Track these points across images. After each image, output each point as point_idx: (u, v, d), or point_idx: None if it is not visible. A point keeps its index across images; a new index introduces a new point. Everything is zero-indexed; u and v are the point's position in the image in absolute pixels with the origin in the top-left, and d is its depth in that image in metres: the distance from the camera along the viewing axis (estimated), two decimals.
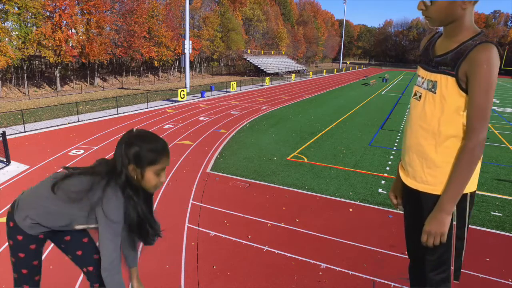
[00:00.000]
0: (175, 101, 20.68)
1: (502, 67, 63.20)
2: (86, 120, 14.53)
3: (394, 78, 48.76)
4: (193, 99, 21.88)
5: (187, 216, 6.06)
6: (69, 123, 13.77)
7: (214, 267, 4.61)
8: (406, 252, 2.05)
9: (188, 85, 25.14)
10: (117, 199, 1.66)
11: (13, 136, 11.29)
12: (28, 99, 23.53)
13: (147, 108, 18.00)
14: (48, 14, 25.56)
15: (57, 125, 13.30)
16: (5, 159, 8.53)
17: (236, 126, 13.88)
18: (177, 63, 40.96)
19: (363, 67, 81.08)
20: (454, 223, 1.68)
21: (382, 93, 29.85)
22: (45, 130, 12.50)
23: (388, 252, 5.08)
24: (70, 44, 26.99)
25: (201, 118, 15.40)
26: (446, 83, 1.59)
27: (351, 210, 6.62)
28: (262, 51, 55.50)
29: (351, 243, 5.34)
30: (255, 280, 4.38)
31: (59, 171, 1.88)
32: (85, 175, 1.73)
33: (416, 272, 1.95)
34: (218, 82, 34.08)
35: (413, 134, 1.76)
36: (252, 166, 8.96)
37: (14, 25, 24.34)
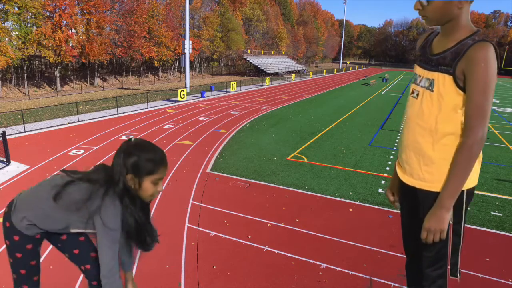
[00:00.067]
0: (175, 101, 20.69)
1: (502, 67, 63.50)
2: (86, 120, 14.53)
3: (394, 78, 48.76)
4: (193, 99, 21.88)
5: (187, 216, 6.06)
6: (69, 123, 13.77)
7: (214, 267, 4.61)
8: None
9: (188, 85, 25.14)
10: (115, 207, 1.68)
11: (13, 136, 11.30)
12: (28, 99, 23.53)
13: (147, 108, 18.00)
14: (48, 14, 25.56)
15: (57, 125, 13.29)
16: (5, 159, 8.53)
17: (236, 126, 13.88)
18: (177, 63, 40.96)
19: (363, 67, 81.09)
20: (451, 222, 1.69)
21: (382, 93, 29.85)
22: (45, 130, 12.50)
23: (388, 252, 5.08)
24: (70, 44, 26.99)
25: (201, 118, 15.40)
26: (444, 81, 1.61)
27: (351, 210, 6.62)
28: (262, 51, 55.50)
29: (351, 243, 5.34)
30: (255, 280, 4.38)
31: (57, 174, 1.89)
32: (84, 181, 1.74)
33: (413, 268, 1.97)
34: (218, 82, 34.08)
35: (410, 131, 1.77)
36: (252, 166, 8.96)
37: (14, 25, 24.34)
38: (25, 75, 26.68)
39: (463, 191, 1.66)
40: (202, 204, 6.56)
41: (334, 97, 25.84)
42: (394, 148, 11.35)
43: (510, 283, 4.47)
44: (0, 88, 24.60)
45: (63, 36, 25.38)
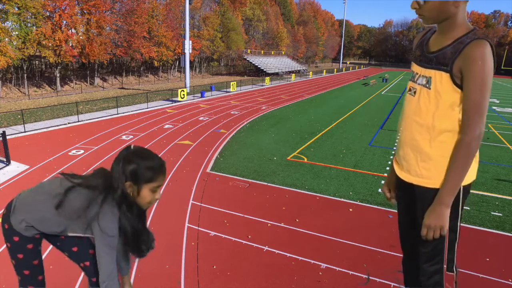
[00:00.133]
0: (175, 101, 20.69)
1: (502, 67, 63.41)
2: (86, 120, 14.53)
3: (394, 78, 48.76)
4: (193, 99, 21.89)
5: (187, 216, 6.06)
6: (69, 123, 13.77)
7: (214, 267, 4.61)
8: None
9: (188, 85, 25.14)
10: (113, 214, 1.70)
11: (13, 136, 11.30)
12: (28, 99, 23.53)
13: (147, 108, 18.01)
14: (48, 14, 25.56)
15: (57, 125, 13.30)
16: (5, 159, 8.53)
17: (236, 126, 13.88)
18: (177, 63, 40.96)
19: (363, 67, 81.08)
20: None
21: (382, 93, 29.85)
22: (45, 130, 12.50)
23: (388, 252, 5.08)
24: (70, 44, 26.99)
25: (201, 118, 15.40)
26: (441, 79, 1.62)
27: (351, 210, 6.62)
28: (262, 51, 55.50)
29: (351, 243, 5.34)
30: (255, 280, 4.38)
31: (56, 177, 1.90)
32: (83, 187, 1.76)
33: (410, 264, 1.99)
34: (218, 82, 34.08)
35: (407, 128, 1.79)
36: (252, 166, 8.96)
37: (14, 25, 24.34)
38: (25, 75, 26.68)
39: (459, 187, 1.68)
40: (202, 204, 6.55)
41: (334, 97, 25.84)
42: (394, 148, 11.35)
43: (510, 283, 4.47)
44: (0, 88, 24.61)
45: (63, 36, 25.38)
